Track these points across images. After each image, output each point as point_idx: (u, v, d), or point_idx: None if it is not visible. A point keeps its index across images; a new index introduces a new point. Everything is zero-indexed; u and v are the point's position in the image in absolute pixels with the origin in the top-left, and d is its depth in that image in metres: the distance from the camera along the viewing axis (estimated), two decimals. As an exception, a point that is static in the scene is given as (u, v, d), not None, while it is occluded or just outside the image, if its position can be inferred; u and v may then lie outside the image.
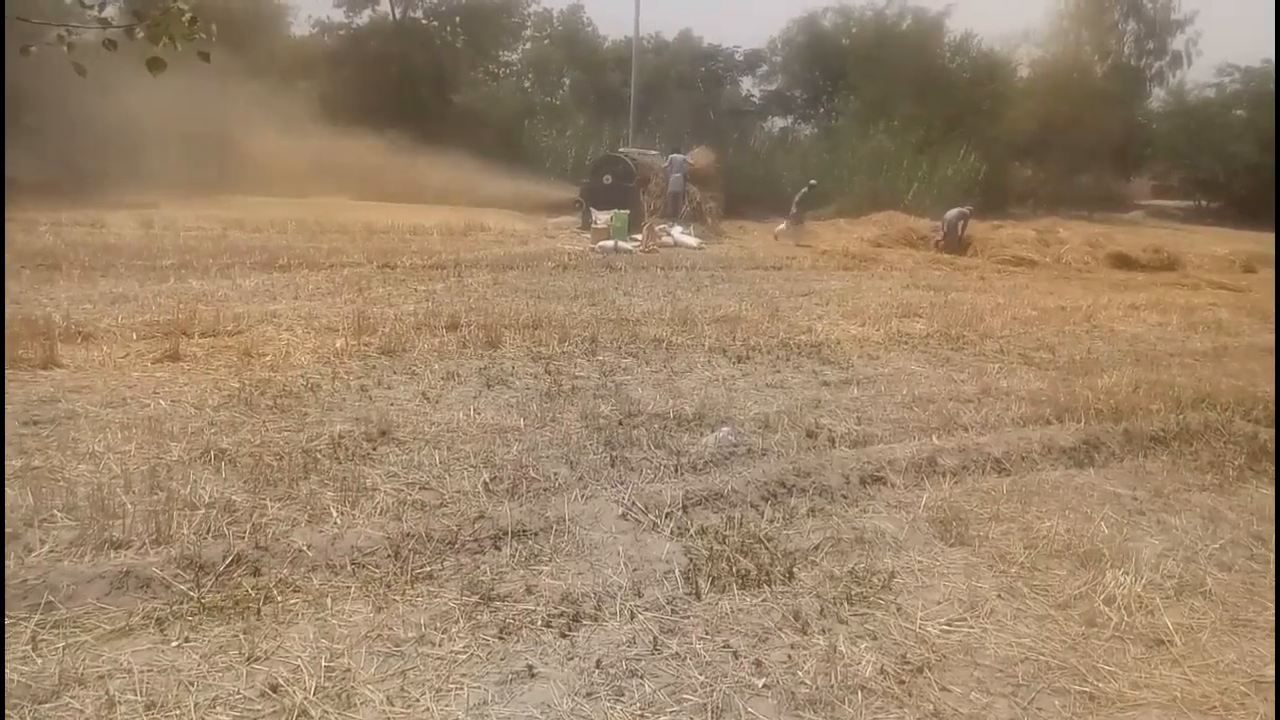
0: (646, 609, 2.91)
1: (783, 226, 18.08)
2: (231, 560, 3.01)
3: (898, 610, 3.00)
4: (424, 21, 29.37)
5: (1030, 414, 5.53)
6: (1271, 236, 22.99)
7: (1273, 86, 33.82)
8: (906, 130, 28.22)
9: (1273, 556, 3.61)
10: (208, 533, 3.24)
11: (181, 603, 2.78)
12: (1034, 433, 5.14)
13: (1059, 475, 4.49)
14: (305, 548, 3.14)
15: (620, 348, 6.82)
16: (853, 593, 3.10)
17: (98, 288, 7.97)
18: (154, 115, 19.37)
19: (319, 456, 4.08)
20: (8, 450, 3.83)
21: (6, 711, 2.23)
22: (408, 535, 3.29)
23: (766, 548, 3.42)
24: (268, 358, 5.86)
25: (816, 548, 3.46)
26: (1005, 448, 4.81)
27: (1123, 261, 15.85)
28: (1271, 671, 2.75)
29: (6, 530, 3.12)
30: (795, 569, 3.26)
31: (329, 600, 2.84)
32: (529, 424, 4.79)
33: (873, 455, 4.55)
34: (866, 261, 14.47)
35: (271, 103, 21.03)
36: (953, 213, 17.49)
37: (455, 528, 3.39)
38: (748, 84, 37.15)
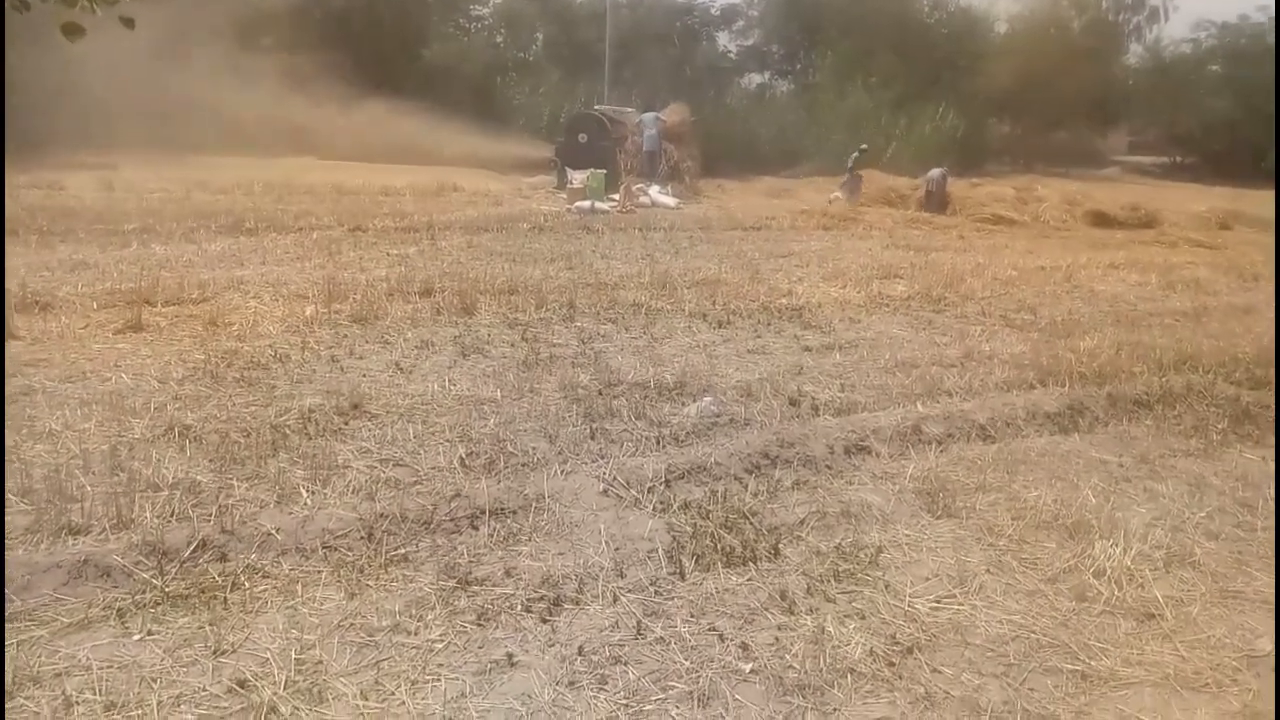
0: (629, 591, 2.83)
1: (837, 193, 17.28)
2: (196, 545, 2.89)
3: (886, 587, 2.94)
4: (391, -27, 28.55)
5: (1014, 378, 5.48)
6: (1247, 193, 23.18)
7: (1249, 42, 33.92)
8: (884, 87, 27.99)
9: (1259, 524, 3.59)
10: (171, 516, 3.11)
11: (144, 592, 2.65)
12: (1018, 398, 5.09)
13: (1044, 442, 4.44)
14: (274, 531, 3.02)
15: (599, 313, 6.69)
16: (840, 569, 3.03)
17: (56, 254, 7.70)
18: (109, 74, 18.78)
19: (288, 432, 3.94)
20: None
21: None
22: (381, 515, 3.17)
23: (751, 523, 3.34)
24: (234, 327, 5.67)
25: (802, 522, 3.38)
26: (990, 414, 4.75)
27: (1101, 219, 15.84)
28: (1263, 644, 2.72)
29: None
30: (781, 545, 3.18)
31: (299, 587, 2.73)
32: (506, 395, 4.66)
33: (857, 424, 4.47)
34: (845, 221, 14.35)
35: (233, 60, 20.41)
36: (935, 172, 17.33)
37: (431, 507, 3.28)
38: (724, 39, 36.58)
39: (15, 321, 5.34)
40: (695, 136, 20.37)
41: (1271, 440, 4.57)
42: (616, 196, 15.21)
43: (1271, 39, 33.33)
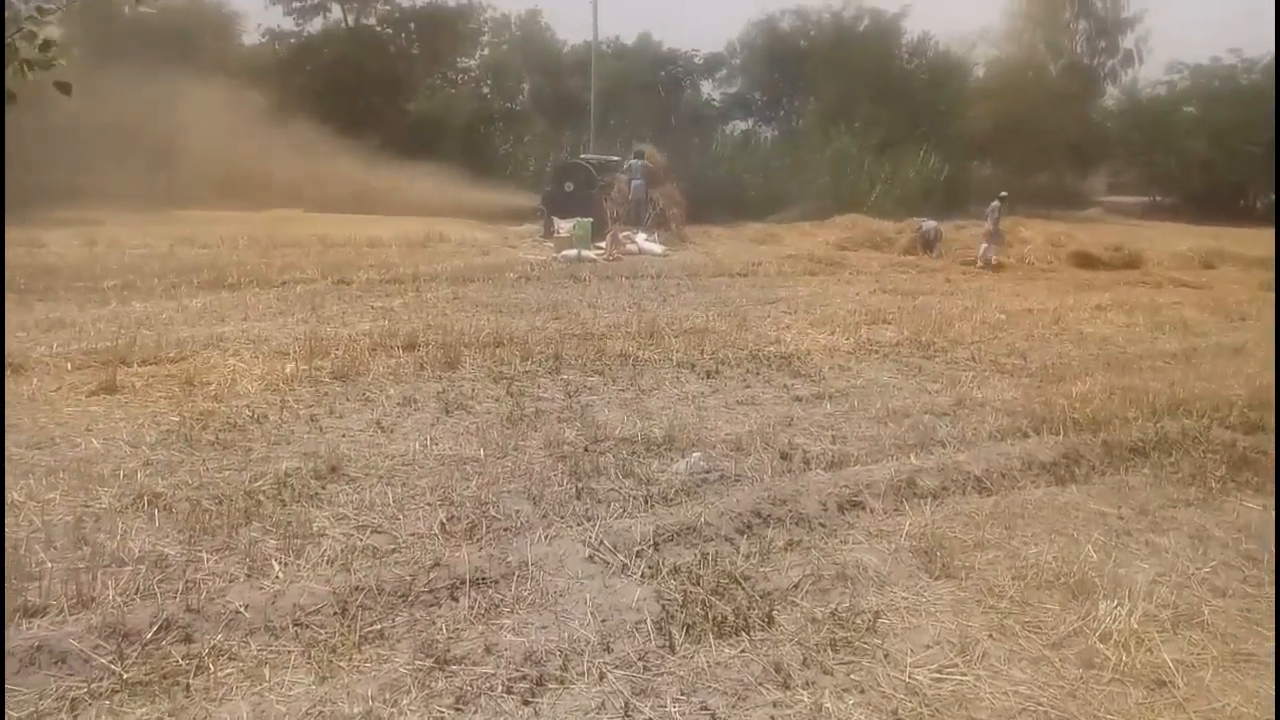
0: (616, 666, 2.69)
1: (983, 249, 15.37)
2: (160, 626, 2.74)
3: (885, 657, 2.81)
4: (377, 29, 28.88)
5: (1007, 426, 5.39)
6: (1228, 231, 23.42)
7: (1221, 84, 34.61)
8: (867, 132, 28.34)
9: (1266, 578, 3.48)
10: (136, 593, 2.96)
11: (101, 679, 2.50)
12: (1013, 447, 5.00)
13: (1041, 494, 4.34)
14: (243, 608, 2.87)
15: (585, 365, 6.59)
16: (836, 638, 2.90)
17: (33, 313, 7.57)
18: (98, 130, 18.84)
19: (262, 499, 3.80)
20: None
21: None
22: (356, 589, 3.03)
23: (743, 588, 3.21)
24: (211, 387, 5.54)
25: (796, 586, 3.25)
26: (985, 465, 4.66)
27: (1086, 260, 15.92)
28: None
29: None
30: (775, 612, 3.05)
31: (266, 670, 2.58)
32: (489, 454, 4.54)
33: (850, 478, 4.36)
34: (832, 265, 14.38)
35: (220, 114, 20.50)
36: (930, 224, 17.28)
37: (409, 578, 3.14)
38: (708, 87, 37.05)
39: (-15, 385, 5.20)
40: (670, 179, 20.31)
41: (1272, 488, 4.48)
42: (603, 244, 15.21)
43: (1245, 80, 34.10)
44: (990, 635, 2.97)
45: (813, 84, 32.92)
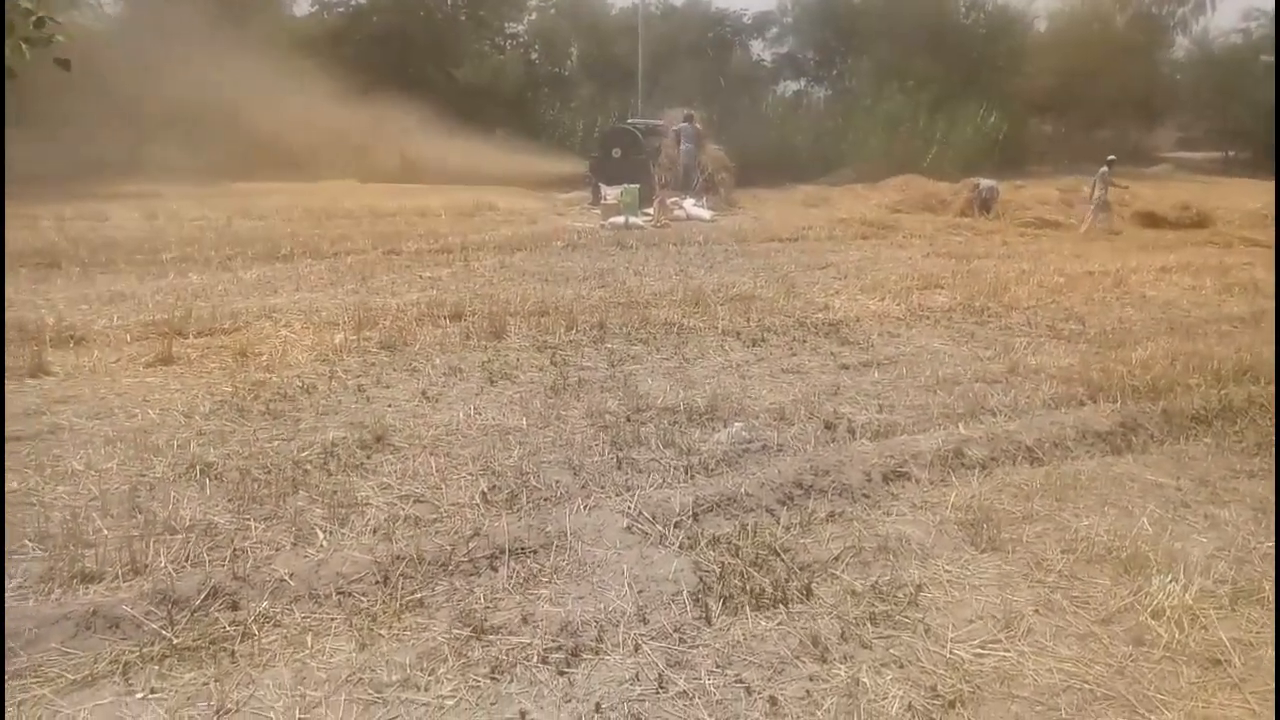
0: (652, 638, 2.69)
1: (1089, 219, 14.87)
2: (208, 593, 2.81)
3: (926, 631, 2.76)
4: (425, -4, 28.88)
5: (1062, 394, 5.24)
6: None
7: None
8: (921, 90, 27.55)
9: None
10: (186, 561, 3.04)
11: (152, 644, 2.58)
12: (1067, 416, 4.86)
13: (1095, 464, 4.22)
14: (287, 576, 2.93)
15: (630, 334, 6.57)
16: (876, 611, 2.86)
17: (95, 286, 7.79)
18: (156, 102, 19.23)
19: (309, 468, 3.88)
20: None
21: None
22: (398, 558, 3.07)
23: (783, 560, 3.18)
24: (263, 357, 5.65)
25: (836, 558, 3.22)
26: (1037, 434, 4.53)
27: (1151, 220, 15.37)
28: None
29: None
30: (814, 584, 3.02)
31: (309, 638, 2.63)
32: (531, 423, 4.56)
33: (895, 448, 4.29)
34: (885, 229, 14.08)
35: (274, 86, 20.76)
36: (987, 182, 16.80)
37: (449, 547, 3.17)
38: (758, 47, 36.31)
39: (49, 356, 5.36)
40: (709, 142, 19.95)
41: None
42: (651, 210, 15.11)
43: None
44: (1036, 610, 2.91)
45: (866, 42, 32.04)
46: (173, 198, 15.96)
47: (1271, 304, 8.36)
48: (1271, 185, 23.61)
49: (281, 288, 8.01)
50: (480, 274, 9.06)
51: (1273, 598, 3.00)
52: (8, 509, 3.36)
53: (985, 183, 16.82)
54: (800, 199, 20.30)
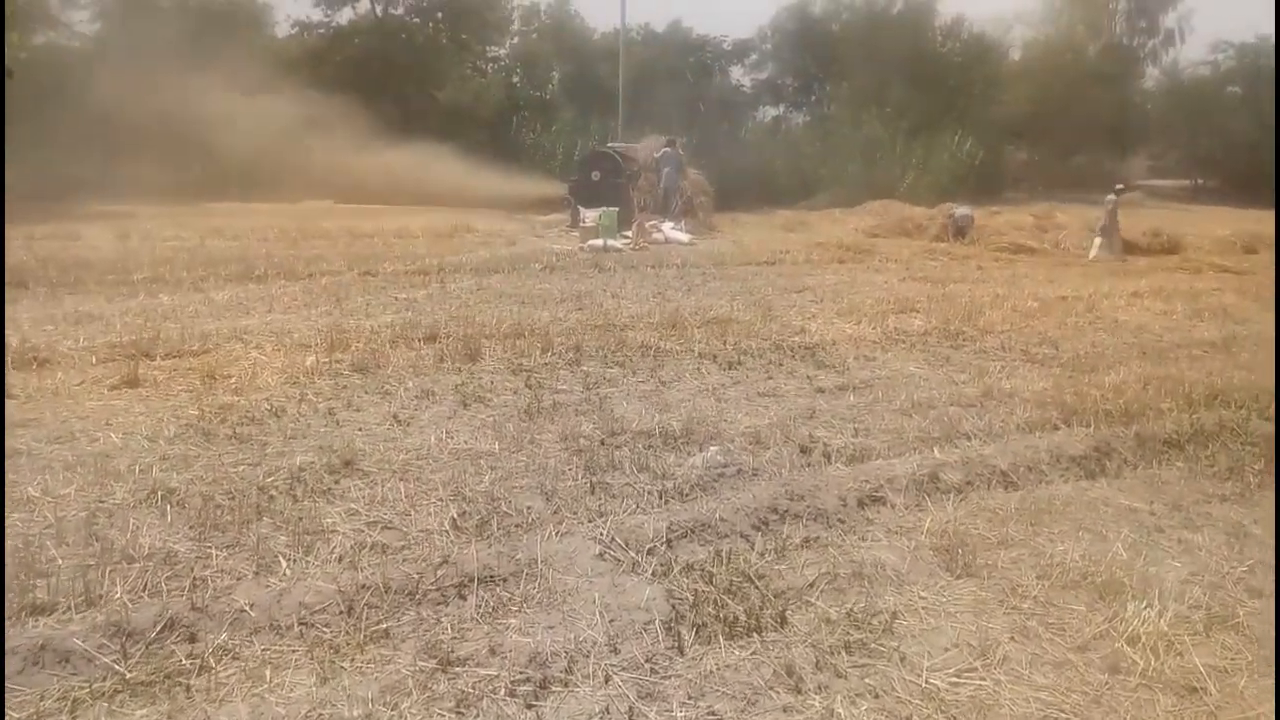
0: (623, 669, 2.63)
1: (1097, 246, 14.83)
2: (164, 625, 2.73)
3: (901, 660, 2.72)
4: (406, 18, 28.93)
5: (1036, 418, 5.25)
6: (1270, 214, 22.72)
7: (1271, 62, 33.58)
8: (899, 116, 27.92)
9: (1306, 579, 3.34)
10: (143, 591, 2.95)
11: (104, 679, 2.49)
12: (1041, 440, 4.86)
13: (1070, 489, 4.21)
14: (248, 607, 2.85)
15: (606, 356, 6.53)
16: (851, 639, 2.82)
17: (62, 306, 7.66)
18: (133, 121, 19.10)
19: (275, 494, 3.79)
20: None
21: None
22: (363, 587, 3.00)
23: (757, 587, 3.13)
24: (232, 380, 5.56)
25: (811, 585, 3.17)
26: (1011, 458, 4.53)
27: (1122, 245, 15.53)
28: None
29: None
30: (788, 612, 2.97)
31: (268, 671, 2.55)
32: (504, 447, 4.50)
33: (870, 472, 4.26)
34: (862, 253, 14.17)
35: (252, 107, 20.68)
36: (963, 210, 16.93)
37: (416, 575, 3.10)
38: (738, 73, 36.72)
39: (11, 379, 5.25)
40: (689, 162, 20.08)
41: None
42: (629, 234, 15.12)
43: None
44: (1012, 637, 2.87)
45: (844, 68, 32.49)
46: (147, 218, 15.81)
47: (1242, 329, 8.46)
48: (1238, 214, 24.06)
49: (254, 309, 7.91)
50: (456, 296, 9.00)
51: (1248, 624, 2.98)
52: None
53: (960, 210, 17.01)
54: (778, 223, 20.42)
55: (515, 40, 33.68)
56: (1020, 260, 14.15)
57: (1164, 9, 35.06)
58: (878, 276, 11.56)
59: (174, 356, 6.07)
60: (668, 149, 18.64)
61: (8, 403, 4.93)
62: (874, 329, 7.79)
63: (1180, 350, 7.44)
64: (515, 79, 32.75)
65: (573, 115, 28.18)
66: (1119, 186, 15.58)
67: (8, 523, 3.41)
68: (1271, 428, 5.15)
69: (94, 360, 5.90)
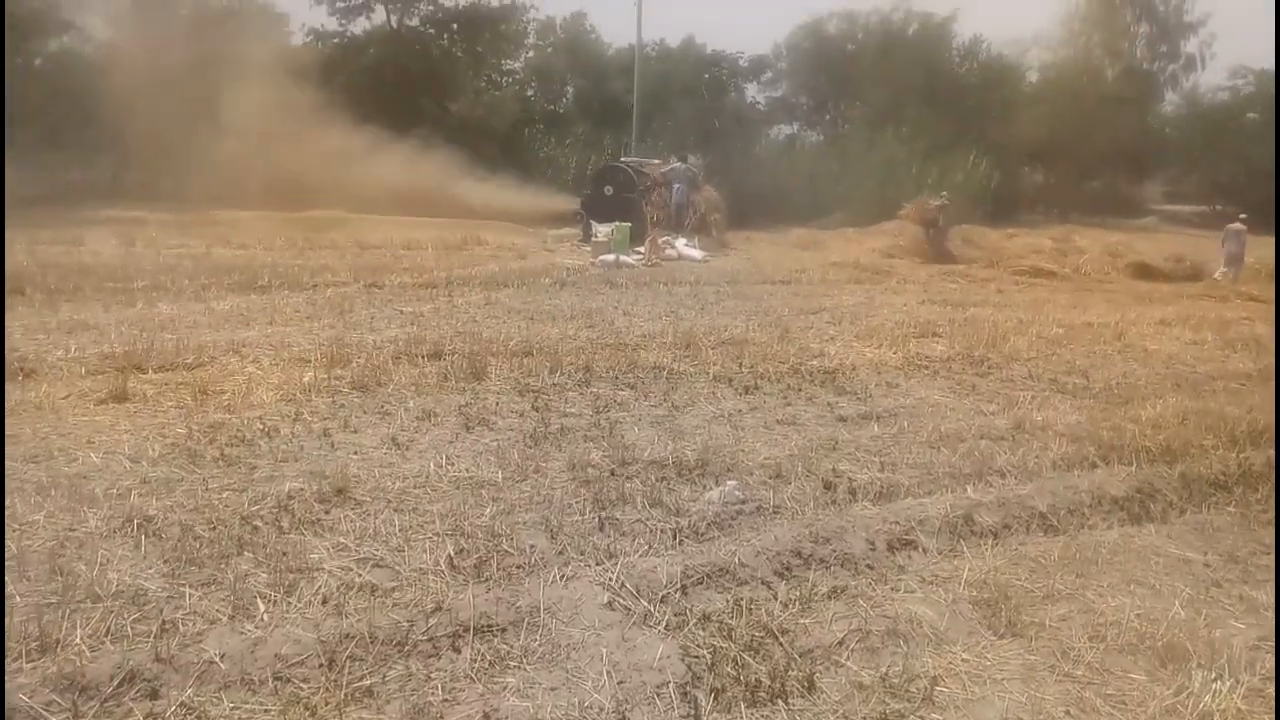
0: (633, 742, 2.34)
1: (1223, 267, 15.14)
2: (123, 679, 2.45)
3: (945, 737, 2.42)
4: (421, 29, 28.84)
5: (1073, 454, 4.95)
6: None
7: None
8: (915, 137, 27.65)
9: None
10: (106, 635, 2.68)
11: (50, 742, 2.21)
12: (1080, 479, 4.56)
13: (1116, 536, 3.91)
14: (218, 658, 2.57)
15: (617, 377, 6.26)
16: (888, 710, 2.52)
17: (58, 315, 7.42)
18: (144, 128, 19.00)
19: (259, 524, 3.52)
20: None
21: None
22: (347, 636, 2.72)
23: (781, 644, 2.84)
24: (225, 396, 5.29)
25: (841, 643, 2.88)
26: (1050, 499, 4.23)
27: (1144, 271, 15.28)
28: None
29: None
30: (816, 675, 2.68)
31: (236, 736, 2.27)
32: (508, 476, 4.22)
33: (900, 512, 3.97)
34: (878, 274, 13.91)
35: (265, 115, 20.55)
36: (1234, 226, 16.20)
37: (406, 624, 2.82)
38: (752, 91, 36.53)
39: (-7, 391, 5.00)
40: (703, 178, 19.87)
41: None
42: (642, 249, 14.87)
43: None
44: (1068, 711, 2.57)
45: (859, 88, 32.28)
46: (155, 224, 15.62)
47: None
48: (1258, 240, 23.69)
49: (254, 320, 7.67)
50: (464, 310, 8.75)
51: (1330, 701, 2.67)
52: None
53: (935, 202, 16.57)
54: (792, 241, 20.14)
55: (530, 54, 33.58)
56: (1040, 284, 13.85)
57: (1185, 34, 34.76)
58: (896, 298, 11.27)
59: (167, 369, 5.81)
60: (678, 164, 18.41)
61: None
62: (895, 353, 7.50)
63: (1216, 383, 7.13)
64: (529, 92, 32.66)
65: (586, 129, 28.03)
66: (1243, 216, 15.72)
67: (-34, 553, 3.14)
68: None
69: (83, 372, 5.65)
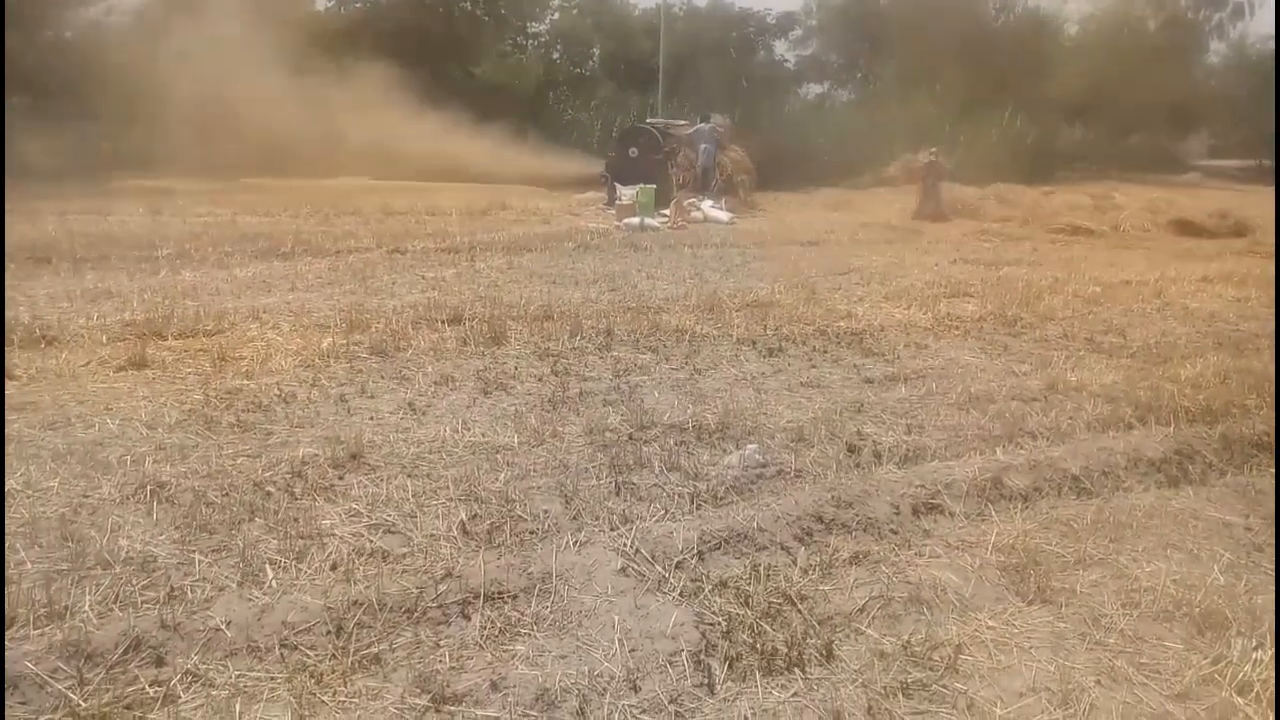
0: (643, 711, 2.27)
1: None
2: (129, 646, 2.42)
3: (969, 707, 2.33)
4: (445, -8, 28.57)
5: (1108, 415, 4.78)
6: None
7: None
8: (948, 94, 26.99)
9: None
10: (114, 602, 2.65)
11: (54, 710, 2.19)
12: (1115, 441, 4.40)
13: (1151, 499, 3.76)
14: (225, 625, 2.54)
15: (638, 341, 6.16)
16: (910, 679, 2.43)
17: (83, 282, 7.46)
18: (173, 97, 19.05)
19: (272, 490, 3.48)
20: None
21: None
22: (356, 603, 2.67)
23: (799, 611, 2.75)
24: (244, 362, 5.28)
25: (862, 609, 2.78)
26: (1083, 461, 4.08)
27: (1186, 228, 14.80)
28: None
29: None
30: (835, 643, 2.59)
31: (239, 703, 2.23)
32: (524, 441, 4.15)
33: (926, 476, 3.85)
34: (909, 233, 13.62)
35: (289, 80, 20.52)
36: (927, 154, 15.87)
37: (416, 590, 2.77)
38: (781, 48, 35.85)
39: (15, 359, 5.02)
40: (734, 147, 19.55)
41: None
42: (667, 212, 14.69)
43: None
44: (1098, 681, 2.46)
45: (892, 44, 31.52)
46: (183, 194, 15.70)
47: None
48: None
49: (276, 287, 7.66)
50: (485, 275, 8.68)
51: (1379, 671, 2.54)
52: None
53: (925, 158, 15.82)
54: (821, 202, 19.82)
55: (555, 16, 33.17)
56: (1078, 242, 13.48)
57: (1232, -19, 33.49)
58: (927, 258, 11.02)
59: (186, 336, 5.81)
60: (703, 124, 18.10)
61: (10, 383, 4.69)
62: (925, 314, 7.32)
63: (1259, 341, 6.87)
64: (554, 55, 32.30)
65: (612, 92, 27.71)
66: None
67: (-20, 520, 3.14)
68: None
69: (104, 339, 5.66)
